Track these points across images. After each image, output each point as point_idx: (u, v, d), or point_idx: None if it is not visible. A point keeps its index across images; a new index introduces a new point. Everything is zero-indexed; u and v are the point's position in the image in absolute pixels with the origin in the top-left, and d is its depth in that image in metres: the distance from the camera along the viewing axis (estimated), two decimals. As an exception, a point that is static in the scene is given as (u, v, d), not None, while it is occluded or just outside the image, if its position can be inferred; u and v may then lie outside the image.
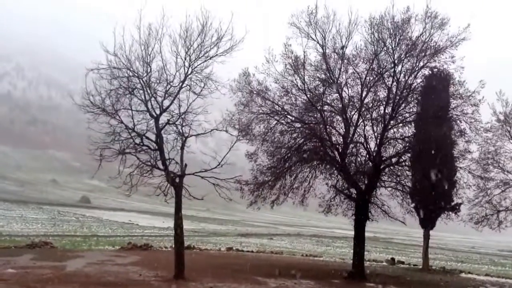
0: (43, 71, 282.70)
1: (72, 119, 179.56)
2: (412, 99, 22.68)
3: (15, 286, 13.47)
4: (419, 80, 22.35)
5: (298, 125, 22.64)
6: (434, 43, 20.99)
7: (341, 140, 22.40)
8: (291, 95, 22.19)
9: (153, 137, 17.06)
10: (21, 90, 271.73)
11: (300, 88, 21.79)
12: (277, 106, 22.12)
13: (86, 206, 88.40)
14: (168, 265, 17.72)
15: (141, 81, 16.74)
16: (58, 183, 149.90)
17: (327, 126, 22.09)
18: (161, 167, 16.92)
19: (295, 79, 21.68)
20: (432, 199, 24.49)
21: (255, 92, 21.78)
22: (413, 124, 23.13)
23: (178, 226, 17.19)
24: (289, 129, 22.62)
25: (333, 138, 22.52)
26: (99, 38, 16.63)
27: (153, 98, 16.95)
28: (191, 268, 17.96)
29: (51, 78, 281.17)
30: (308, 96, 21.91)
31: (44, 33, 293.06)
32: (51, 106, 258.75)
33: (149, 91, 16.83)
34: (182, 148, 17.16)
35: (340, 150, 22.10)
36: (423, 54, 21.13)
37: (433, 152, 21.88)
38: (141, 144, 17.03)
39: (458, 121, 22.92)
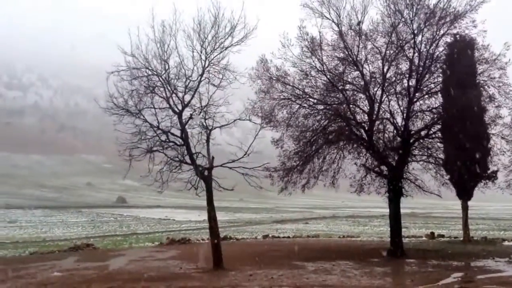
0: (66, 79, 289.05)
1: (100, 122, 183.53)
2: (436, 68, 22.17)
3: (61, 288, 14.01)
4: (441, 49, 21.79)
5: (321, 107, 22.40)
6: (453, 9, 20.42)
7: (366, 118, 22.10)
8: (311, 78, 21.95)
9: (178, 133, 17.29)
10: (48, 99, 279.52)
11: (319, 69, 21.52)
12: (297, 90, 21.92)
13: (123, 206, 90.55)
14: (207, 257, 18.04)
15: (160, 78, 16.94)
16: (94, 186, 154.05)
17: (351, 105, 21.81)
18: (189, 161, 17.13)
19: (313, 61, 21.41)
20: (467, 169, 23.89)
21: (274, 78, 21.62)
22: (439, 95, 22.60)
23: (212, 217, 17.44)
24: (312, 112, 22.40)
25: (358, 117, 22.25)
26: (116, 40, 16.85)
27: (174, 95, 17.15)
28: (229, 257, 18.24)
29: (75, 85, 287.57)
30: (328, 76, 21.64)
31: (62, 41, 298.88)
32: (78, 112, 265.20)
33: (169, 87, 17.02)
34: (207, 141, 17.33)
35: (366, 128, 21.81)
36: (443, 21, 20.55)
37: (463, 120, 21.32)
38: (167, 140, 17.29)
39: (486, 87, 22.28)
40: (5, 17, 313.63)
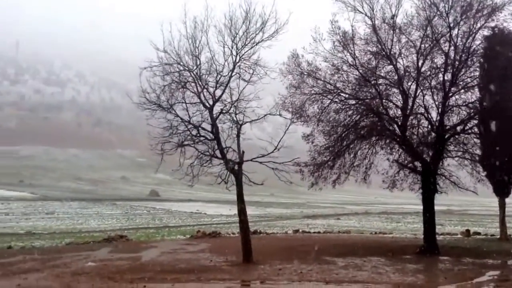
0: (102, 75, 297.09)
1: (133, 117, 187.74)
2: (473, 62, 21.46)
3: (95, 278, 14.43)
4: (478, 42, 21.05)
5: (352, 102, 22.07)
6: (491, 1, 19.72)
7: (400, 113, 21.67)
8: (343, 72, 21.61)
9: (208, 127, 17.49)
10: (85, 95, 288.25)
11: (351, 64, 21.18)
12: (329, 85, 21.65)
13: (155, 199, 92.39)
14: (237, 251, 18.16)
15: (192, 74, 17.16)
16: (128, 180, 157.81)
17: (383, 100, 21.43)
18: (220, 156, 17.31)
19: (345, 55, 21.09)
20: (505, 165, 23.13)
21: (305, 73, 21.43)
22: (476, 89, 21.93)
23: (242, 211, 17.59)
24: (343, 107, 22.11)
25: (391, 112, 21.83)
26: (149, 37, 17.20)
27: (205, 90, 17.35)
28: (259, 251, 18.35)
29: (110, 81, 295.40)
30: (361, 71, 21.28)
31: (98, 38, 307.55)
32: (113, 107, 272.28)
33: (200, 83, 17.22)
34: (238, 136, 17.44)
35: (399, 123, 21.40)
36: (480, 14, 19.89)
37: (501, 115, 20.60)
38: (198, 135, 17.53)
39: (525, 80, 21.37)
40: (45, 16, 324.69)
